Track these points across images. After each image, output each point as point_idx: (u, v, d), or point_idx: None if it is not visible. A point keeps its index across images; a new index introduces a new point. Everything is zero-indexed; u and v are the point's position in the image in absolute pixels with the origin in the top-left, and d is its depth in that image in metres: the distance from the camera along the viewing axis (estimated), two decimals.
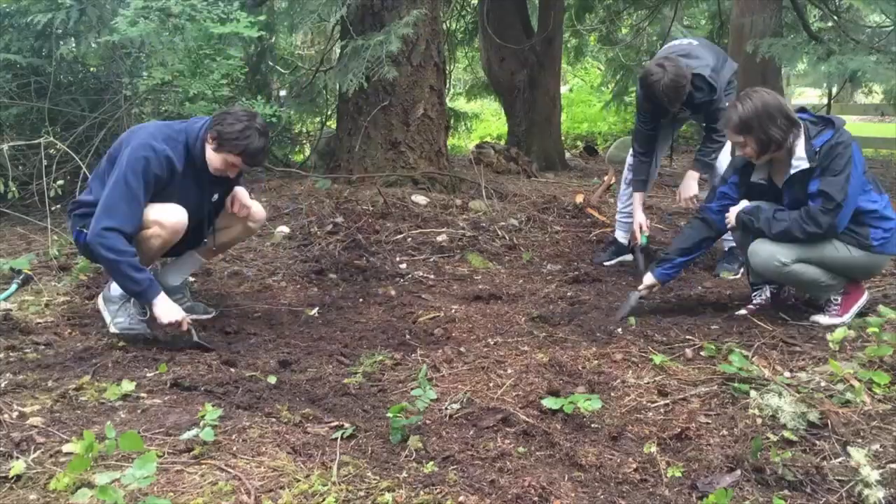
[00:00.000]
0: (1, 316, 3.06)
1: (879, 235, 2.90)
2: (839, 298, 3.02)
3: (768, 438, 2.02)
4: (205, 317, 3.26)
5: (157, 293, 2.81)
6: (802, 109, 3.03)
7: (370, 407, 2.35)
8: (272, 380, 2.50)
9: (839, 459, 1.92)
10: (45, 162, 4.26)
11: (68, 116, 5.46)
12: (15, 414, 2.17)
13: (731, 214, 3.06)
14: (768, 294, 3.25)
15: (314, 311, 3.28)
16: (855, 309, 3.01)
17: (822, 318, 3.00)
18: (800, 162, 2.87)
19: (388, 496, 1.77)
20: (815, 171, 2.84)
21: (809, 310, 3.13)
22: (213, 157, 2.91)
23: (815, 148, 2.84)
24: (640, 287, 3.30)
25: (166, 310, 2.80)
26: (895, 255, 3.07)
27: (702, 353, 2.70)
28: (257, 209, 3.26)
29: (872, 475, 1.78)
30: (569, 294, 3.65)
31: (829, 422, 2.07)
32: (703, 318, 3.15)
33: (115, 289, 2.91)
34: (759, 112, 2.84)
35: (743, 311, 3.21)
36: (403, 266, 4.09)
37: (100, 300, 3.00)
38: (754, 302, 3.25)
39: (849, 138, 2.85)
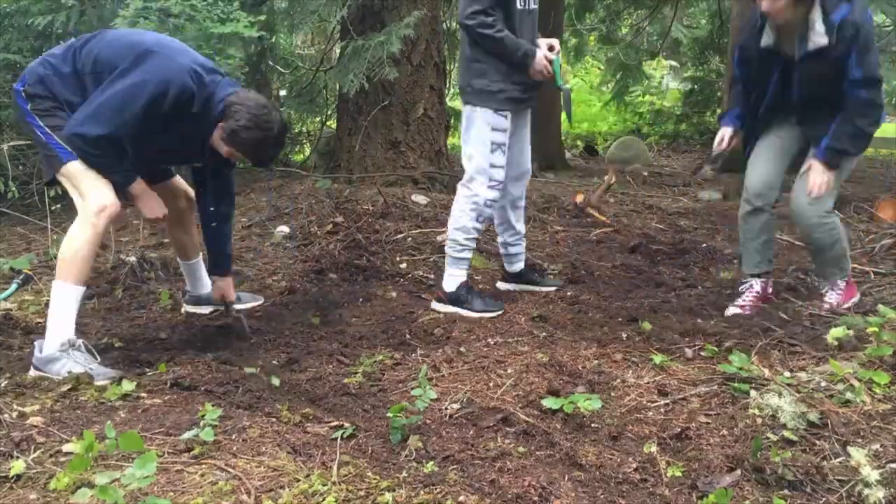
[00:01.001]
0: (1, 316, 3.06)
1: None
2: (842, 286, 3.13)
3: (768, 438, 2.02)
4: (256, 304, 3.33)
5: (136, 180, 2.64)
6: None
7: (370, 407, 2.35)
8: (273, 380, 2.50)
9: (839, 459, 1.92)
10: None
11: None
12: (15, 414, 2.17)
13: (814, 175, 2.97)
14: (758, 288, 3.24)
15: (316, 319, 3.28)
16: (852, 302, 3.13)
17: (832, 297, 3.12)
18: (819, 38, 2.80)
19: (388, 496, 1.77)
20: (840, 49, 2.78)
21: (805, 303, 3.15)
22: (219, 144, 2.69)
23: (833, 23, 2.76)
24: (716, 143, 3.25)
25: (149, 202, 2.69)
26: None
27: (702, 353, 2.70)
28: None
29: (872, 475, 1.78)
30: (569, 294, 3.65)
31: (829, 422, 2.07)
32: (704, 317, 3.15)
33: (47, 347, 2.50)
34: None
35: (735, 310, 3.20)
36: (403, 266, 4.09)
37: (33, 372, 2.49)
38: (744, 297, 3.24)
39: (864, 6, 2.79)
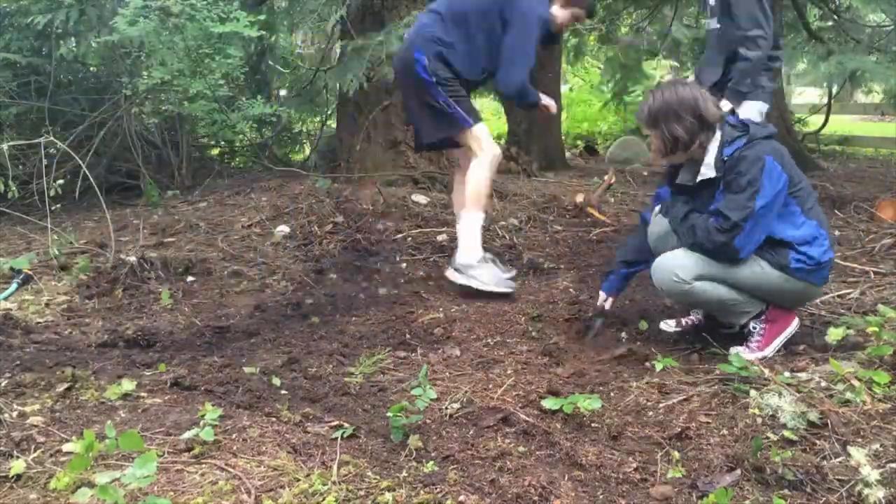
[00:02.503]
0: (1, 315, 3.06)
1: (799, 259, 2.57)
2: (762, 327, 2.68)
3: (768, 438, 2.02)
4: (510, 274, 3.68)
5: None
6: (732, 113, 2.81)
7: (370, 407, 2.35)
8: (273, 380, 2.50)
9: (839, 459, 1.92)
10: (45, 161, 4.27)
11: (68, 116, 5.48)
12: (15, 414, 2.17)
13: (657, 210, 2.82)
14: (702, 315, 2.96)
15: (316, 319, 3.28)
16: (779, 341, 2.67)
17: (742, 351, 2.62)
18: (707, 170, 2.61)
19: (388, 496, 1.77)
20: (720, 182, 2.59)
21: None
22: (563, 14, 3.47)
23: (724, 156, 2.57)
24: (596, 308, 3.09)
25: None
26: (820, 286, 2.71)
27: (702, 354, 2.70)
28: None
29: (872, 475, 1.78)
30: (569, 294, 3.64)
31: (829, 421, 2.07)
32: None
33: (464, 258, 3.43)
34: (668, 107, 2.58)
35: (669, 327, 2.95)
36: (403, 266, 4.09)
37: (454, 274, 3.45)
38: (688, 317, 2.99)
39: (760, 152, 2.52)
